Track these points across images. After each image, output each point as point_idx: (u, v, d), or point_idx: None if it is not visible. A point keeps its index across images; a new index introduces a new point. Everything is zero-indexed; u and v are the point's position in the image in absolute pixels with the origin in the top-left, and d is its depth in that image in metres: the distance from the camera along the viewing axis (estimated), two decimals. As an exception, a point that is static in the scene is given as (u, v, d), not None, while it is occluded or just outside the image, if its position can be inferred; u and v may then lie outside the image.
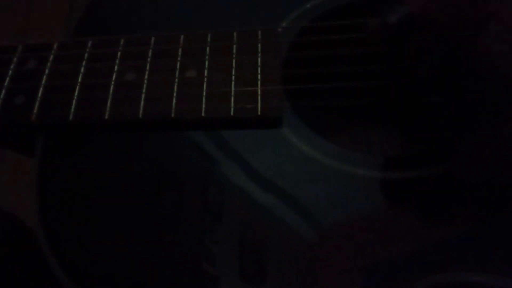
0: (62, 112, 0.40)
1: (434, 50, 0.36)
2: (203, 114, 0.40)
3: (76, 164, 0.42)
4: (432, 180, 0.38)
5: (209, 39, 0.43)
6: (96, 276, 0.38)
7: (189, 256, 0.37)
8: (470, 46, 0.33)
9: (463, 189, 0.37)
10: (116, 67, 0.42)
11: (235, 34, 0.43)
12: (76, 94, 0.41)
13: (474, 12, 0.33)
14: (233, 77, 0.41)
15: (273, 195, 0.38)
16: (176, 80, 0.41)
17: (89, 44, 0.44)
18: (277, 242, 0.37)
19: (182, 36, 0.43)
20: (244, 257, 0.36)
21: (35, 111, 0.41)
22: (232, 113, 0.40)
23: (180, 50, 0.43)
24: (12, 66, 0.43)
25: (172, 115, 0.40)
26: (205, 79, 0.41)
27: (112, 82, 0.41)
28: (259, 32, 0.43)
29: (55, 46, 0.44)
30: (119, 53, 0.43)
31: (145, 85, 0.41)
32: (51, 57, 0.43)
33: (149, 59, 0.42)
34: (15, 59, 0.43)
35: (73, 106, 0.41)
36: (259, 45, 0.43)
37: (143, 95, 0.41)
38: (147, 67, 0.42)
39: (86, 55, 0.43)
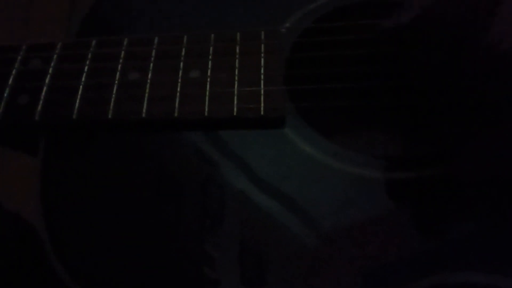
0: (66, 112, 0.41)
1: (441, 49, 0.36)
2: (206, 114, 0.40)
3: (77, 165, 0.42)
4: (434, 180, 0.38)
5: (212, 40, 0.43)
6: (98, 277, 0.38)
7: (189, 260, 0.37)
8: (475, 45, 0.33)
9: (464, 190, 0.37)
10: (119, 67, 0.42)
11: (238, 34, 0.43)
12: (79, 93, 0.41)
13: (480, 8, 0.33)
14: (236, 78, 0.41)
15: (274, 198, 0.38)
16: (179, 80, 0.41)
17: (93, 44, 0.44)
18: (277, 246, 0.37)
19: (185, 37, 0.44)
20: (244, 261, 0.36)
21: (38, 110, 0.41)
22: (235, 113, 0.40)
23: (183, 50, 0.43)
24: (16, 66, 0.43)
25: (175, 115, 0.40)
26: (208, 79, 0.41)
27: (116, 82, 0.41)
28: (262, 33, 0.43)
29: (58, 46, 0.44)
30: (122, 53, 0.43)
31: (148, 85, 0.41)
32: (55, 56, 0.43)
33: (152, 59, 0.42)
34: (18, 58, 0.43)
35: (76, 106, 0.41)
36: (262, 45, 0.43)
37: (146, 95, 0.41)
38: (151, 67, 0.42)
39: (89, 55, 0.43)
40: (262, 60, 0.42)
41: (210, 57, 0.42)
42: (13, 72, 0.43)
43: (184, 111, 0.40)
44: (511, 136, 0.34)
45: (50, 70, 0.42)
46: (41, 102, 0.41)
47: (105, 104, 0.40)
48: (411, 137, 0.45)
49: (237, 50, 0.42)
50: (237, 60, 0.42)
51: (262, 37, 0.43)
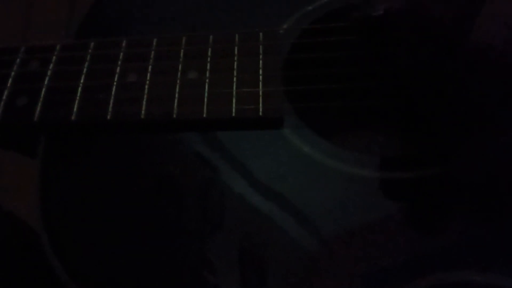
0: (65, 113, 0.41)
1: (429, 48, 0.36)
2: (204, 115, 0.40)
3: (76, 167, 0.42)
4: (432, 180, 0.38)
5: (210, 41, 0.43)
6: (98, 279, 0.38)
7: (188, 264, 0.37)
8: (461, 38, 0.33)
9: (463, 190, 0.37)
10: (118, 69, 0.42)
11: (236, 35, 0.43)
12: (78, 95, 0.41)
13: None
14: (234, 79, 0.41)
15: (273, 201, 0.38)
16: (178, 81, 0.41)
17: (92, 45, 0.44)
18: (277, 249, 0.37)
19: (184, 38, 0.44)
20: (244, 265, 0.36)
21: (37, 112, 0.41)
22: (233, 114, 0.40)
23: (182, 51, 0.43)
24: (14, 68, 0.43)
25: (174, 116, 0.40)
26: (207, 81, 0.41)
27: (114, 83, 0.42)
28: (261, 34, 0.43)
29: (57, 48, 0.44)
30: (121, 55, 0.43)
31: (147, 86, 0.41)
32: (54, 58, 0.43)
33: (151, 61, 0.43)
34: (17, 60, 0.43)
35: (75, 107, 0.41)
36: (261, 46, 0.43)
37: (145, 96, 0.41)
38: (149, 69, 0.42)
39: (88, 56, 0.43)
40: (261, 61, 0.42)
41: (208, 58, 0.42)
42: (12, 73, 0.43)
43: (182, 112, 0.40)
44: (507, 136, 0.34)
45: (49, 72, 0.42)
46: (39, 103, 0.41)
47: (104, 106, 0.41)
48: (409, 137, 0.45)
49: (236, 51, 0.42)
50: (235, 61, 0.42)
51: (261, 38, 0.43)
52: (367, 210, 0.37)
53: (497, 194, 0.37)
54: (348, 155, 0.39)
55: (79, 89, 0.41)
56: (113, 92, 0.41)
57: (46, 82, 0.42)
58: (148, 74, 0.42)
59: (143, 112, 0.40)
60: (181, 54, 0.43)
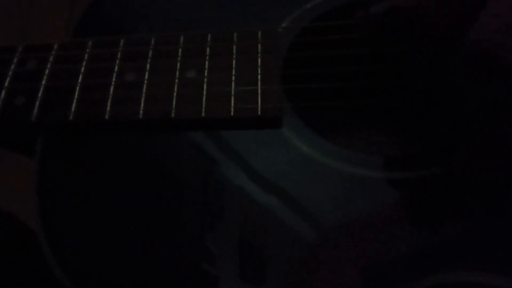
0: (62, 113, 0.40)
1: (430, 48, 0.36)
2: (203, 115, 0.40)
3: (75, 163, 0.42)
4: (432, 180, 0.38)
5: (209, 39, 0.43)
6: (97, 277, 0.38)
7: (189, 256, 0.37)
8: (459, 39, 0.33)
9: (463, 189, 0.37)
10: (116, 68, 0.42)
11: (235, 34, 0.43)
12: (76, 94, 0.41)
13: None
14: (233, 77, 0.41)
15: (273, 195, 0.38)
16: (176, 80, 0.41)
17: (89, 44, 0.44)
18: (276, 242, 0.37)
19: (182, 37, 0.43)
20: (244, 257, 0.36)
21: (35, 111, 0.41)
22: (232, 114, 0.40)
23: (180, 50, 0.43)
24: (12, 67, 0.43)
25: (172, 115, 0.40)
26: (205, 80, 0.41)
27: (112, 83, 0.41)
28: (259, 33, 0.43)
29: (55, 47, 0.44)
30: (119, 54, 0.43)
31: (145, 86, 0.41)
32: (51, 57, 0.43)
33: (149, 60, 0.42)
34: (15, 59, 0.43)
35: (73, 107, 0.40)
36: (259, 45, 0.42)
37: (143, 96, 0.41)
38: (147, 68, 0.42)
39: (86, 55, 0.43)
40: (259, 59, 0.42)
41: (207, 57, 0.42)
42: (10, 73, 0.42)
43: (181, 111, 0.40)
44: (507, 137, 0.34)
45: (47, 71, 0.42)
46: (37, 103, 0.41)
47: (102, 105, 0.40)
48: (409, 136, 0.45)
49: (234, 50, 0.42)
50: (234, 60, 0.42)
51: (259, 36, 0.43)
52: (366, 209, 0.37)
53: (496, 194, 0.36)
54: (346, 154, 0.39)
55: (77, 88, 0.41)
56: (111, 92, 0.41)
57: (43, 81, 0.42)
58: (146, 73, 0.42)
59: (141, 111, 0.40)
60: (179, 53, 0.42)
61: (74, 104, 0.41)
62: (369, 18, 0.40)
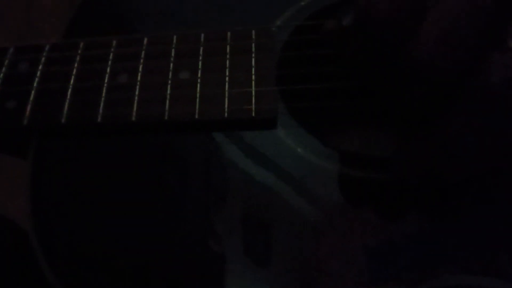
0: (54, 116, 0.40)
1: (372, 52, 0.36)
2: (196, 116, 0.39)
3: (68, 167, 0.41)
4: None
5: (202, 39, 0.42)
6: (90, 281, 0.37)
7: (194, 234, 0.38)
8: (399, 50, 0.32)
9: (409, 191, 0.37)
10: (108, 69, 0.41)
11: (228, 34, 0.43)
12: (68, 97, 0.40)
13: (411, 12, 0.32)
14: (227, 78, 0.40)
15: (273, 173, 0.39)
16: (169, 81, 0.40)
17: (81, 45, 0.43)
18: (279, 218, 0.38)
19: (175, 37, 0.43)
20: (248, 234, 0.37)
21: (27, 115, 0.40)
22: (226, 115, 0.39)
23: (173, 51, 0.42)
24: (3, 70, 0.42)
25: (166, 117, 0.39)
26: (199, 80, 0.40)
27: (105, 85, 0.41)
28: (253, 32, 0.42)
29: (46, 48, 0.43)
30: (111, 55, 0.42)
31: (138, 87, 0.40)
32: (43, 59, 0.42)
33: (142, 61, 0.42)
34: (6, 62, 0.43)
35: (65, 109, 0.40)
36: (253, 44, 0.42)
37: (136, 97, 0.40)
38: (140, 69, 0.41)
39: (78, 57, 0.42)
40: (253, 59, 0.41)
41: (200, 57, 0.41)
42: (0, 76, 0.42)
43: (174, 113, 0.39)
44: (437, 134, 0.33)
45: (38, 73, 0.42)
46: (29, 106, 0.40)
47: (94, 108, 0.40)
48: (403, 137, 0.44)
49: (228, 50, 0.42)
50: (227, 60, 0.41)
51: (253, 36, 0.42)
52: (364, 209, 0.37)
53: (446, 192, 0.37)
54: (342, 156, 0.39)
55: (69, 90, 0.41)
56: (103, 94, 0.40)
57: (35, 84, 0.41)
58: (139, 75, 0.41)
59: (134, 114, 0.39)
60: (172, 53, 0.42)
61: (66, 107, 0.40)
62: (338, 33, 0.39)
